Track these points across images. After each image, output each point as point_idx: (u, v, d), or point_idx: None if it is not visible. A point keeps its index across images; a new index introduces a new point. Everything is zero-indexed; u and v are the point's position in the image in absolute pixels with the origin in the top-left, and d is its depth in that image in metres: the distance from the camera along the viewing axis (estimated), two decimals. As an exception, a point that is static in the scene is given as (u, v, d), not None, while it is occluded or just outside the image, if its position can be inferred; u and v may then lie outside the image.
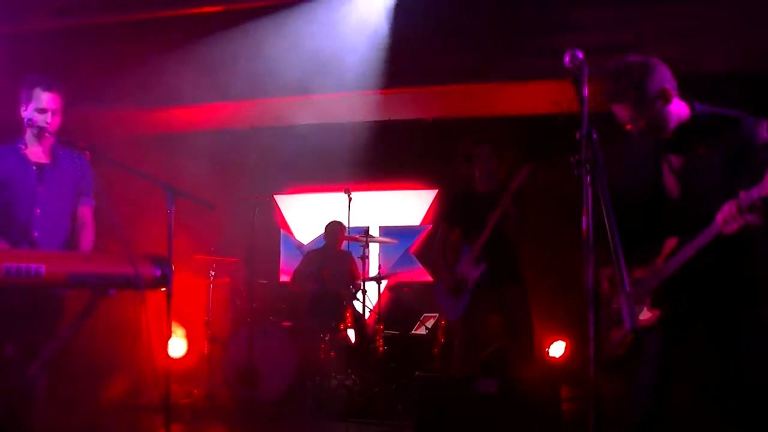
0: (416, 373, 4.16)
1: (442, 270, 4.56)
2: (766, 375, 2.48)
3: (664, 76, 2.55)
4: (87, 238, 3.47)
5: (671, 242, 2.58)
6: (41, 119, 3.32)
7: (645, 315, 2.62)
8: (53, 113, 3.34)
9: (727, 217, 2.33)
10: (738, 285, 2.52)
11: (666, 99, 2.53)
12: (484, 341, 4.30)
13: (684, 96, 2.60)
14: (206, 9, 5.75)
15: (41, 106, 3.32)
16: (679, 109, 2.58)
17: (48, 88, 3.33)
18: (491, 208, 4.27)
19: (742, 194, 2.29)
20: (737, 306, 2.51)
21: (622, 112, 2.56)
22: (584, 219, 2.09)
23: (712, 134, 2.53)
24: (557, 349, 5.97)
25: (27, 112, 3.36)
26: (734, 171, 2.43)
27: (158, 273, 2.92)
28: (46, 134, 3.36)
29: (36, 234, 3.33)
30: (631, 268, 2.60)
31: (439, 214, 4.63)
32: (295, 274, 6.28)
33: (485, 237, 4.26)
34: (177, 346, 6.32)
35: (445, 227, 4.65)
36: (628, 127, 2.60)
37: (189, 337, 6.45)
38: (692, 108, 2.60)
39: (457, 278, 4.39)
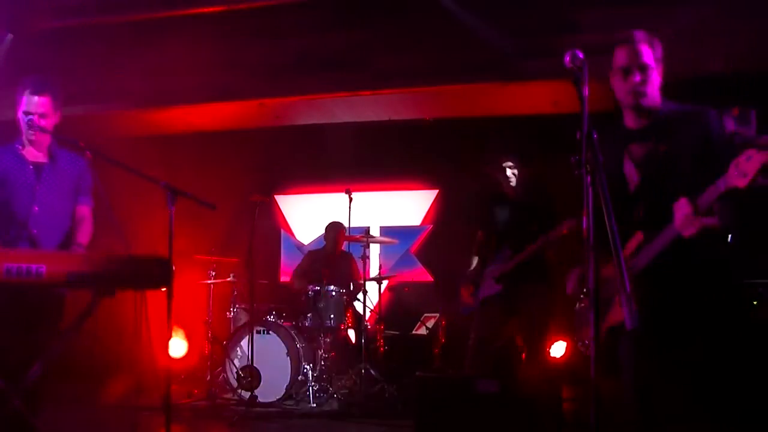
0: (416, 373, 4.15)
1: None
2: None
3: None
4: (85, 232, 3.50)
5: (637, 237, 2.57)
6: (28, 122, 3.37)
7: (615, 314, 2.59)
8: (40, 116, 3.38)
9: (684, 221, 2.34)
10: (699, 289, 2.51)
11: (660, 72, 2.58)
12: (495, 340, 4.36)
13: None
14: (206, 9, 5.74)
15: (27, 109, 3.38)
16: (658, 93, 2.60)
17: (35, 91, 3.38)
18: (522, 215, 4.39)
19: (700, 198, 2.29)
20: (702, 309, 2.51)
21: (623, 57, 2.57)
22: (584, 219, 2.09)
23: (676, 130, 2.53)
24: (558, 349, 5.94)
25: (19, 115, 3.42)
26: (697, 167, 2.43)
27: (158, 273, 2.92)
28: (35, 136, 3.40)
29: (35, 231, 3.36)
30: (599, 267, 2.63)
31: (471, 217, 4.74)
32: (295, 272, 6.29)
33: (512, 266, 4.35)
34: (177, 346, 6.32)
35: (480, 233, 4.71)
36: (620, 78, 2.60)
37: (189, 337, 6.45)
38: (662, 101, 2.62)
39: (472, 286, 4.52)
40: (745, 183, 2.17)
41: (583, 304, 2.75)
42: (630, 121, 2.66)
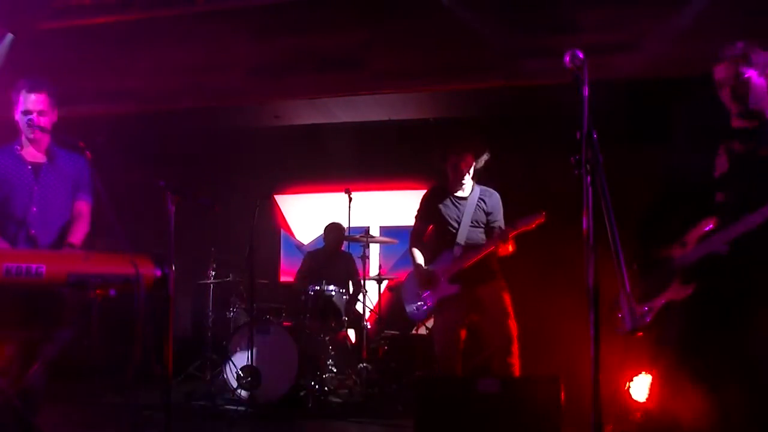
0: (416, 373, 4.15)
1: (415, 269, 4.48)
2: None
3: None
4: (79, 230, 3.50)
5: (706, 222, 2.61)
6: (28, 121, 3.39)
7: (675, 291, 2.62)
8: (39, 114, 3.41)
9: None
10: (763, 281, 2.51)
11: (765, 75, 2.65)
12: (458, 341, 4.26)
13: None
14: (207, 9, 5.73)
15: (26, 108, 3.41)
16: (765, 99, 2.67)
17: (32, 89, 3.41)
18: (462, 212, 4.28)
19: None
20: None
21: (722, 72, 2.70)
22: (584, 219, 2.09)
23: None
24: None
25: (17, 115, 3.45)
26: None
27: (158, 273, 2.93)
28: (34, 135, 3.42)
29: (33, 231, 3.37)
30: (657, 247, 2.69)
31: (422, 211, 4.56)
32: (298, 277, 6.28)
33: (467, 265, 4.18)
34: (180, 346, 6.32)
35: (419, 224, 4.56)
36: (722, 91, 2.72)
37: (191, 337, 6.45)
38: None
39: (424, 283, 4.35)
40: None
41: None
42: (736, 121, 2.76)
